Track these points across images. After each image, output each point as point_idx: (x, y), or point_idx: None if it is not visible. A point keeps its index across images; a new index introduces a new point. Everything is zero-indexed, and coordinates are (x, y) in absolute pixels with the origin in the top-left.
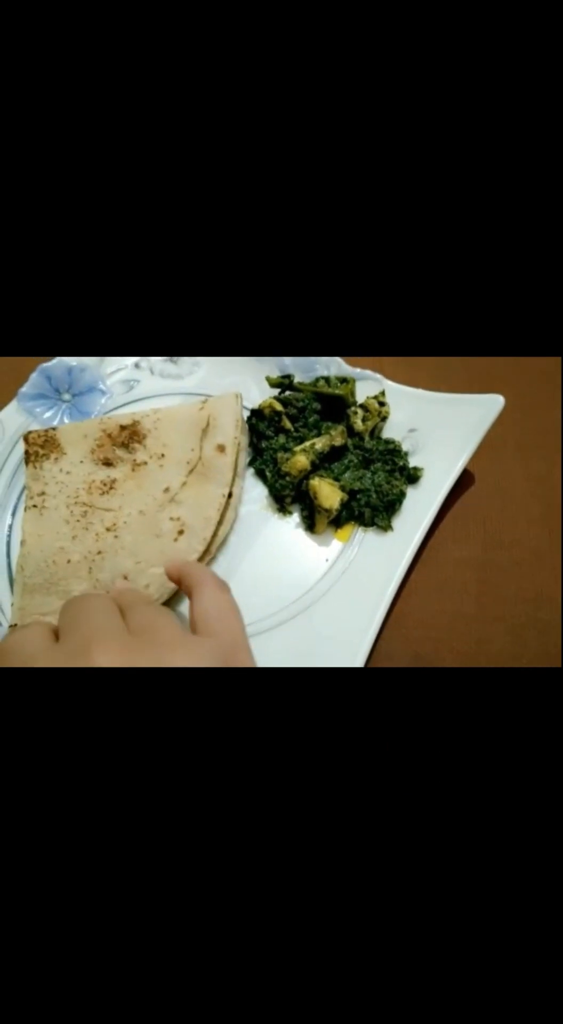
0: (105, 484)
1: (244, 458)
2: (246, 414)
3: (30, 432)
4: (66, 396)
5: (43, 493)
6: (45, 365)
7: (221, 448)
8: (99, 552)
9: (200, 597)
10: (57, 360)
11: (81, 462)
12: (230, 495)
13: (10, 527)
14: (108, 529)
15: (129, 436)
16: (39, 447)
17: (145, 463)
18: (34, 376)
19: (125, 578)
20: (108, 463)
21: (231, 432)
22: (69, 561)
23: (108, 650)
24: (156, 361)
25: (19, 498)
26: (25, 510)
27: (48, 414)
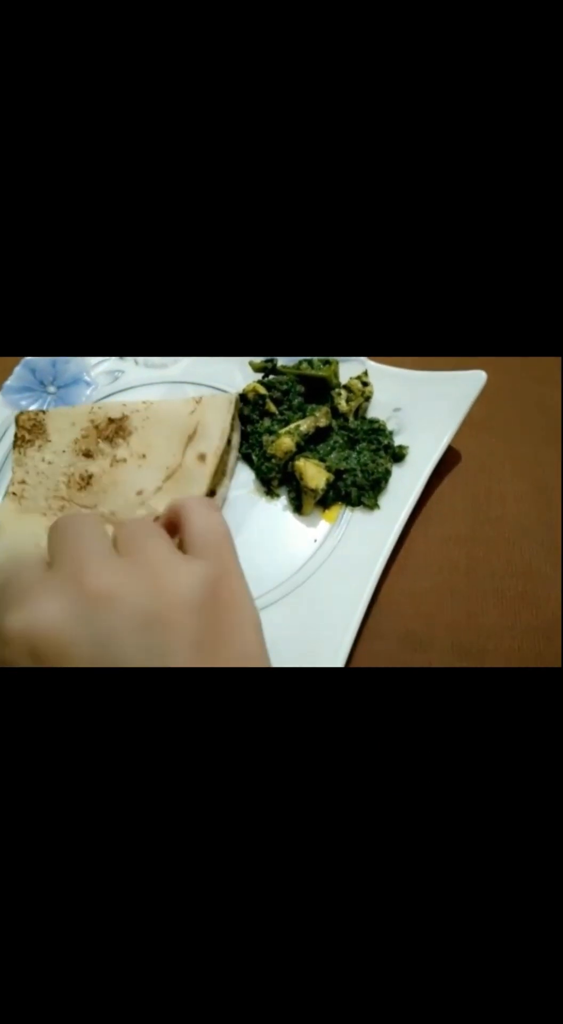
0: (83, 479)
1: (235, 456)
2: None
3: (22, 413)
4: (51, 388)
5: (23, 482)
6: (29, 358)
7: (202, 457)
8: None
9: (190, 519)
10: None
11: (63, 451)
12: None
13: None
14: None
15: (115, 431)
16: (27, 431)
17: (125, 460)
18: (18, 369)
19: None
20: (88, 455)
21: (215, 442)
22: None
23: (98, 573)
24: None
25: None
26: (5, 496)
27: (33, 407)
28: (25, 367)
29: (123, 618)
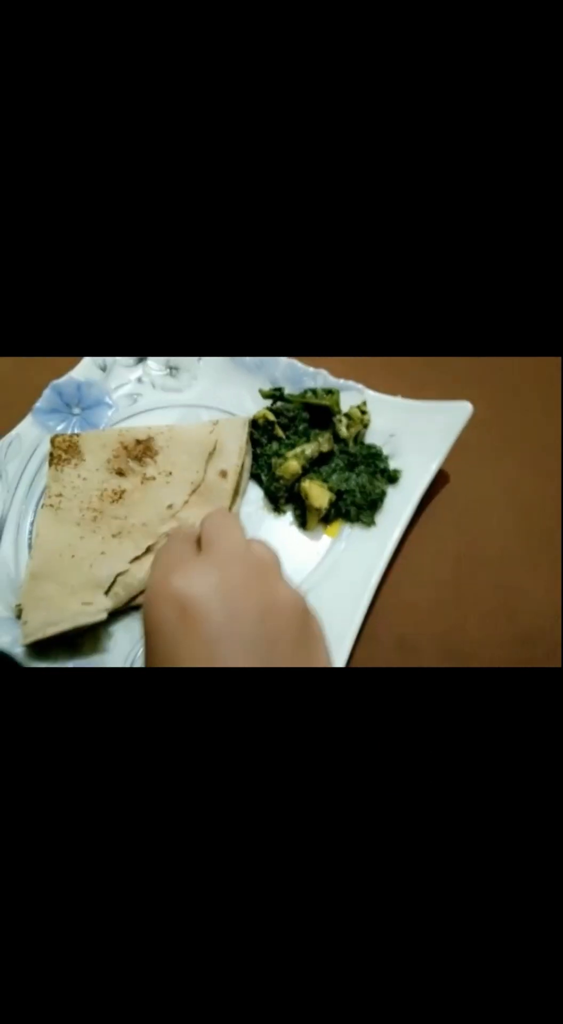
0: (116, 493)
1: (246, 476)
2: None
3: (56, 436)
4: (76, 410)
5: (60, 495)
6: (56, 382)
7: (223, 474)
8: (102, 552)
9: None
10: (66, 377)
11: (97, 470)
12: None
13: (31, 525)
14: (114, 535)
15: (143, 451)
16: (63, 451)
17: (154, 478)
18: (47, 392)
19: (117, 577)
20: (120, 473)
21: (234, 459)
22: (73, 556)
23: (238, 571)
24: (157, 376)
25: (39, 501)
26: (42, 507)
27: (60, 427)
28: (53, 390)
29: (248, 606)
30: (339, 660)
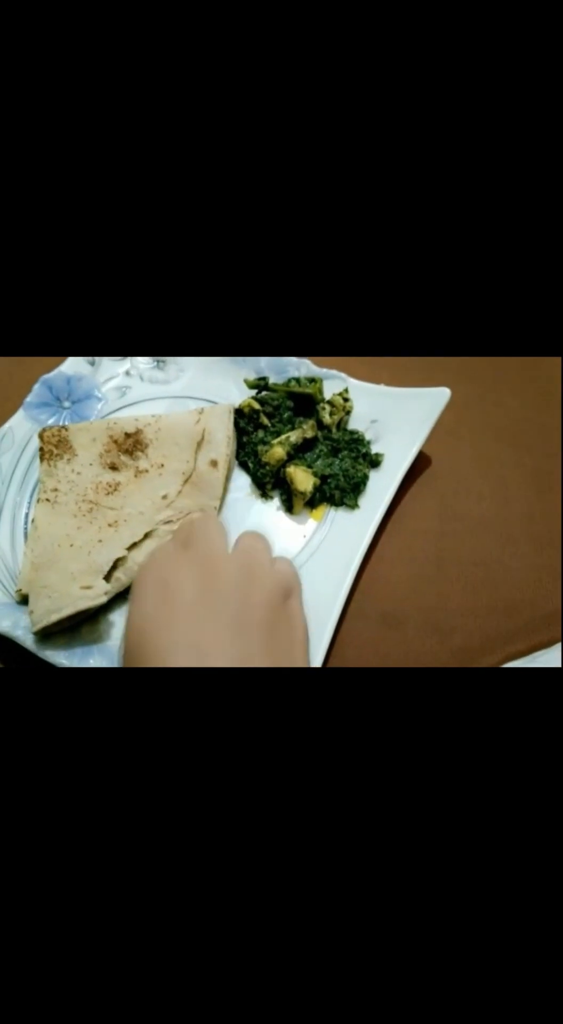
0: (110, 486)
1: (233, 463)
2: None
3: (45, 429)
4: (66, 403)
5: (56, 489)
6: (46, 376)
7: (214, 463)
8: (99, 540)
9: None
10: (56, 372)
11: (90, 465)
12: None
13: (26, 515)
14: (110, 525)
15: (133, 444)
16: (54, 446)
17: (147, 471)
18: (37, 387)
19: (117, 562)
20: (114, 467)
21: (223, 449)
22: (72, 545)
23: (222, 565)
24: (144, 369)
25: (32, 493)
26: (38, 502)
27: (51, 420)
28: (43, 384)
29: (225, 583)
30: (326, 635)
